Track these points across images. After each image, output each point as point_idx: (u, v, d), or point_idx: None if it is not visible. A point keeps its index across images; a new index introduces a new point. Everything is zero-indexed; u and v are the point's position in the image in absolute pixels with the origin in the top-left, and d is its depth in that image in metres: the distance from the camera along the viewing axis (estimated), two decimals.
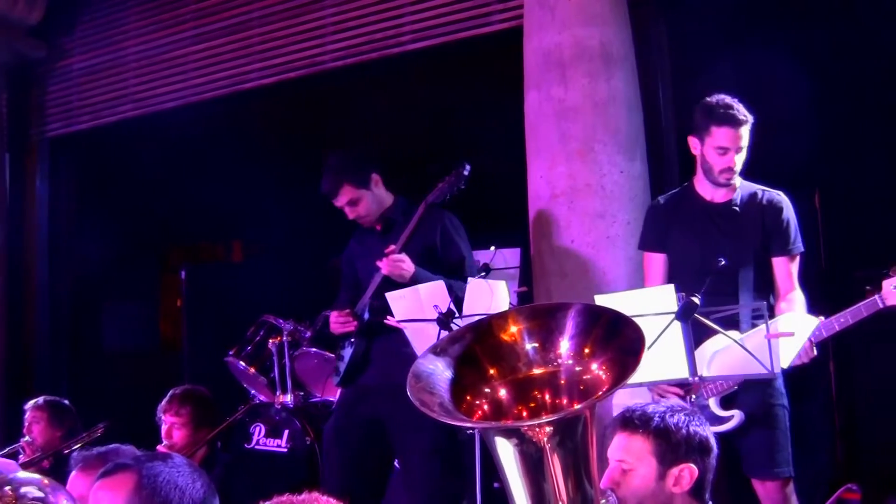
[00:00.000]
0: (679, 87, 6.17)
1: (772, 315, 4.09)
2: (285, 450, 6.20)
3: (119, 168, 8.91)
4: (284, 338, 6.37)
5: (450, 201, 5.26)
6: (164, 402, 5.68)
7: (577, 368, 2.42)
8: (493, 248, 6.32)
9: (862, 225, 6.18)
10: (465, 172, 5.14)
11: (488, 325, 2.54)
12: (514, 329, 2.50)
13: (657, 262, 4.78)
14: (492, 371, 2.46)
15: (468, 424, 2.43)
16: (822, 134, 6.08)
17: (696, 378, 3.97)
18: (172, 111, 8.17)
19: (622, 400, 4.29)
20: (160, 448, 5.42)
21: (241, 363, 6.49)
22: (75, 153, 9.17)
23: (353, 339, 5.27)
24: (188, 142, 8.20)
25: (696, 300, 3.84)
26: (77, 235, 9.13)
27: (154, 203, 9.06)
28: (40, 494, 2.89)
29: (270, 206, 8.96)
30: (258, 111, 8.43)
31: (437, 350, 2.49)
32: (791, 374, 4.18)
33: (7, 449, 6.15)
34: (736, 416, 4.35)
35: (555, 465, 2.27)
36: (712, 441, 3.14)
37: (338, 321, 5.24)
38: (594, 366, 2.40)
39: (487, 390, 2.44)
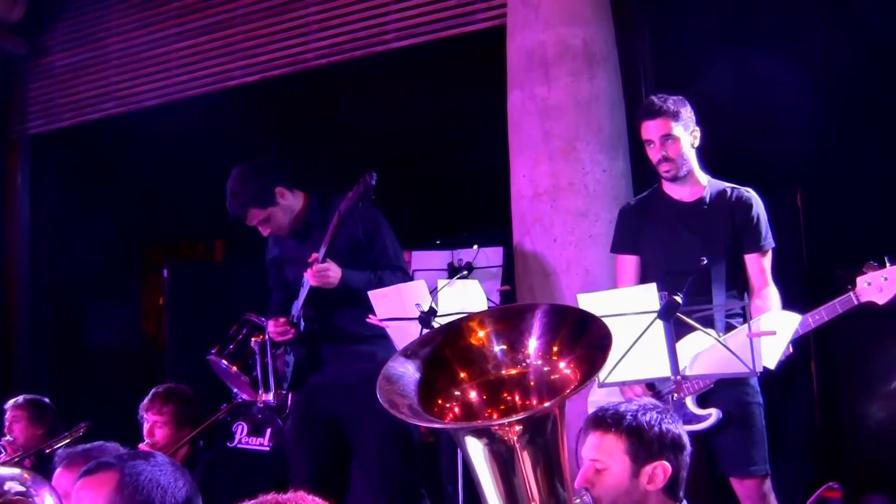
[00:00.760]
0: (662, 86, 6.17)
1: (747, 314, 4.11)
2: (268, 448, 6.20)
3: (102, 166, 8.88)
4: (267, 336, 6.36)
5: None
6: (146, 401, 5.66)
7: (546, 368, 2.44)
8: (475, 246, 6.32)
9: (844, 224, 6.19)
10: (373, 181, 4.99)
11: (458, 328, 2.55)
12: (482, 331, 2.51)
13: (629, 264, 4.82)
14: (462, 373, 2.47)
15: (438, 426, 2.43)
16: (804, 133, 6.10)
17: (679, 377, 3.98)
18: (156, 109, 8.15)
19: (599, 398, 4.32)
20: (142, 447, 5.40)
21: (224, 362, 6.46)
22: (58, 151, 9.13)
23: (291, 347, 5.30)
24: (171, 140, 8.18)
25: (679, 299, 3.85)
26: (59, 233, 9.10)
27: (137, 201, 9.03)
28: (22, 489, 2.89)
29: None
30: (242, 109, 8.40)
31: (408, 353, 2.50)
32: (772, 372, 4.19)
33: None
34: (714, 415, 4.37)
35: (525, 464, 2.27)
36: (685, 438, 3.15)
37: (276, 332, 5.22)
38: (562, 364, 2.41)
39: (458, 393, 2.45)
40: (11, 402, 6.26)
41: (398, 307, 4.69)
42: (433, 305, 4.50)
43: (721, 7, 6.33)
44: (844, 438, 6.03)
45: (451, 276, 5.80)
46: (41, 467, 5.39)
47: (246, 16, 7.69)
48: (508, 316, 2.55)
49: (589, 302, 3.97)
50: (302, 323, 5.16)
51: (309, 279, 5.00)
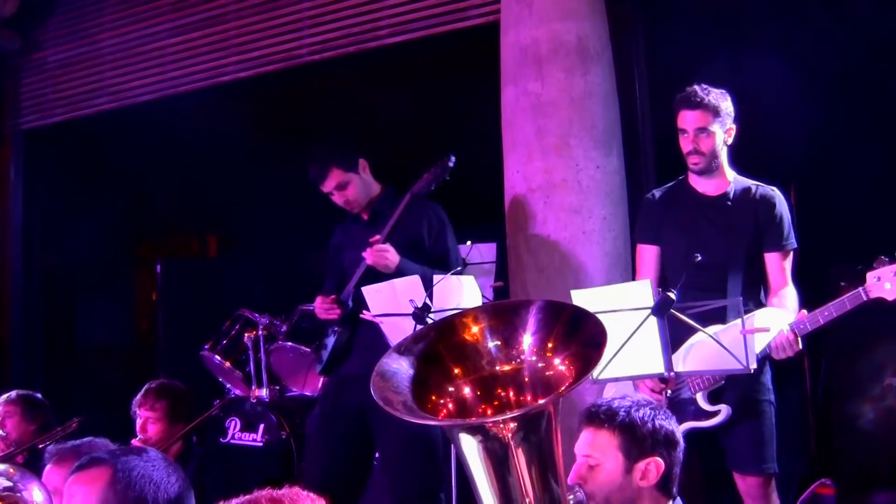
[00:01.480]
0: (656, 82, 6.18)
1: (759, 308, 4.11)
2: (260, 444, 6.19)
3: (95, 161, 8.86)
4: (260, 332, 6.37)
5: (433, 192, 5.26)
6: (139, 397, 5.66)
7: (540, 365, 2.43)
8: (469, 242, 6.32)
9: (838, 221, 6.20)
10: (450, 164, 5.15)
11: (451, 324, 2.55)
12: (476, 327, 2.50)
13: (650, 254, 4.78)
14: (456, 370, 2.46)
15: (432, 423, 2.42)
16: (799, 130, 6.10)
17: (672, 373, 3.98)
18: (149, 104, 8.14)
19: (608, 395, 4.31)
20: (135, 442, 5.40)
21: (217, 357, 6.47)
22: (50, 146, 9.11)
23: (336, 328, 5.27)
24: (164, 135, 8.16)
25: (672, 295, 3.84)
26: (52, 229, 9.08)
27: (130, 197, 9.02)
28: (9, 483, 2.88)
29: (246, 201, 8.93)
30: (235, 105, 8.40)
31: (402, 349, 2.50)
32: (757, 368, 4.19)
33: None
34: (723, 411, 4.35)
35: (520, 461, 2.27)
36: (678, 435, 3.15)
37: (322, 307, 5.23)
38: (557, 361, 2.41)
39: (452, 389, 2.44)
40: (4, 397, 6.24)
41: (392, 303, 4.69)
42: (427, 301, 4.49)
43: (716, 2, 6.33)
44: (837, 436, 6.03)
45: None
46: (33, 463, 5.38)
47: (239, 11, 7.67)
48: (503, 312, 2.54)
49: (582, 298, 3.97)
50: (350, 302, 5.14)
51: (367, 258, 5.00)
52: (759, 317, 4.11)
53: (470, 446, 2.29)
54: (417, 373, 2.43)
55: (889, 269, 4.15)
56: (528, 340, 2.45)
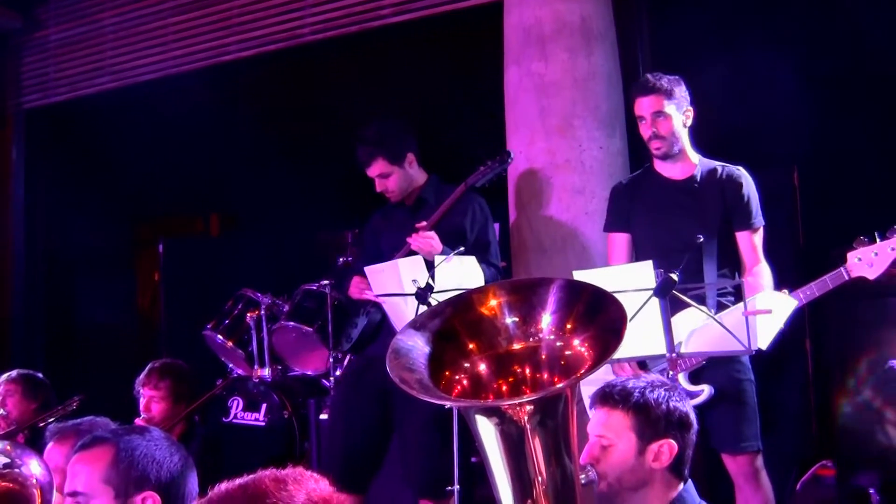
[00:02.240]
0: (659, 63, 6.15)
1: (740, 293, 4.12)
2: (263, 423, 6.20)
3: (97, 140, 8.84)
4: (262, 311, 6.37)
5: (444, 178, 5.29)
6: (142, 376, 5.68)
7: (559, 344, 2.40)
8: None
9: (840, 202, 6.19)
10: (510, 159, 5.18)
11: (468, 300, 2.51)
12: (494, 303, 2.47)
13: (621, 241, 4.85)
14: (471, 346, 2.43)
15: (448, 403, 2.41)
16: (801, 111, 6.08)
17: (674, 354, 3.99)
18: (151, 83, 8.13)
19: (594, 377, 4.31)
20: (138, 422, 5.42)
21: (219, 337, 6.47)
22: (52, 125, 9.11)
23: (369, 309, 5.29)
24: (167, 114, 8.15)
25: (675, 277, 3.85)
26: (54, 208, 9.09)
27: (132, 176, 9.01)
28: (7, 460, 2.89)
29: (249, 180, 8.92)
30: (237, 84, 8.39)
31: (417, 325, 2.46)
32: (766, 352, 4.19)
33: None
34: (706, 391, 4.40)
35: (535, 444, 2.25)
36: (692, 417, 3.13)
37: (358, 286, 5.22)
38: (576, 342, 2.38)
39: (467, 365, 2.41)
40: (5, 376, 6.26)
41: (395, 283, 4.68)
42: (430, 282, 4.49)
43: None
44: (838, 418, 6.03)
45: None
46: (34, 441, 5.39)
47: None
48: (521, 289, 2.51)
49: (584, 279, 3.96)
50: None
51: (412, 243, 4.99)
52: (760, 299, 4.12)
53: (486, 427, 2.28)
54: (433, 349, 2.40)
55: (869, 248, 4.32)
56: (546, 319, 2.42)
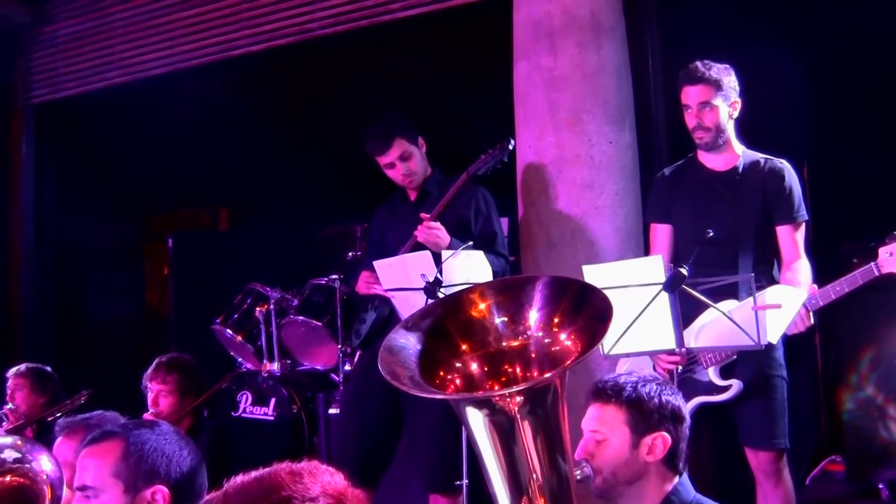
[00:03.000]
0: (669, 57, 6.15)
1: (773, 283, 4.10)
2: (272, 418, 6.21)
3: (105, 135, 8.86)
4: (271, 306, 6.36)
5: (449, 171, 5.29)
6: (150, 370, 5.68)
7: (547, 340, 2.42)
8: None
9: (850, 197, 6.18)
10: (510, 146, 5.17)
11: (458, 300, 2.54)
12: (483, 304, 2.50)
13: (662, 232, 4.80)
14: (463, 345, 2.46)
15: (439, 396, 2.43)
16: (811, 107, 6.08)
17: (683, 349, 3.97)
18: (160, 78, 8.13)
19: (621, 370, 4.31)
20: (146, 416, 5.42)
21: (228, 331, 6.48)
22: (61, 120, 9.12)
23: (377, 303, 5.30)
24: (176, 109, 8.17)
25: (684, 271, 3.83)
26: (63, 202, 9.10)
27: (141, 170, 9.02)
28: (18, 455, 2.90)
29: (258, 175, 8.94)
30: (246, 79, 8.39)
31: (409, 325, 2.49)
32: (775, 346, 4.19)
33: None
34: (734, 386, 4.37)
35: (526, 435, 2.27)
36: (685, 410, 3.15)
37: (366, 281, 5.24)
38: (563, 336, 2.40)
39: (459, 365, 2.44)
40: (13, 370, 6.28)
41: (403, 277, 4.68)
42: (438, 276, 4.49)
43: None
44: (846, 412, 6.03)
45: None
46: (43, 436, 5.41)
47: None
48: (509, 288, 2.54)
49: (594, 274, 3.96)
50: None
51: (418, 235, 5.00)
52: (770, 293, 4.10)
53: (476, 420, 2.29)
54: (425, 348, 2.43)
55: None
56: (534, 316, 2.45)
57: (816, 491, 5.95)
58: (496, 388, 2.43)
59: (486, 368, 2.45)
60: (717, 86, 4.50)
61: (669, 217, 4.77)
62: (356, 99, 7.91)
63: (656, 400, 3.09)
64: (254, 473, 1.86)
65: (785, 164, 4.61)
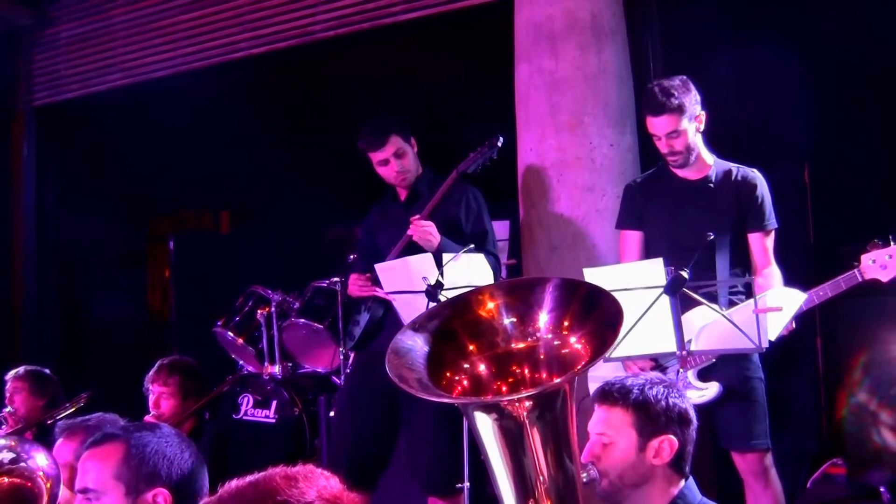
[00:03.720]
0: (670, 60, 6.15)
1: (750, 291, 4.12)
2: (273, 420, 6.21)
3: (107, 137, 8.86)
4: (273, 308, 6.37)
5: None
6: (151, 373, 5.68)
7: (556, 342, 2.40)
8: None
9: (851, 200, 6.18)
10: (498, 143, 5.17)
11: (466, 301, 2.51)
12: (491, 304, 2.47)
13: (633, 239, 4.86)
14: (471, 346, 2.43)
15: (447, 400, 2.42)
16: (811, 109, 6.07)
17: (684, 352, 3.98)
18: (162, 80, 8.13)
19: (604, 373, 4.31)
20: (148, 418, 5.43)
21: (230, 333, 6.48)
22: (63, 122, 9.12)
23: (370, 305, 5.30)
24: (177, 111, 8.16)
25: (685, 274, 3.85)
26: (65, 205, 9.10)
27: (143, 172, 9.02)
28: (13, 455, 2.90)
29: (259, 177, 8.94)
30: (248, 81, 8.39)
31: (416, 326, 2.46)
32: (777, 349, 4.19)
33: None
34: (714, 388, 4.40)
35: (535, 440, 2.25)
36: (692, 413, 3.14)
37: (357, 283, 5.25)
38: (573, 339, 2.38)
39: (466, 366, 2.42)
40: (12, 373, 6.28)
41: (405, 280, 4.69)
42: (440, 279, 4.49)
43: None
44: (847, 415, 6.03)
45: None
46: (42, 438, 5.41)
47: None
48: (518, 289, 2.51)
49: (595, 276, 3.97)
50: None
51: (412, 234, 5.02)
52: (770, 296, 4.12)
53: (485, 424, 2.28)
54: (432, 350, 2.40)
55: (883, 251, 4.32)
56: (543, 318, 2.42)
57: (818, 494, 5.94)
58: (504, 389, 2.42)
59: (494, 370, 2.42)
60: (680, 111, 4.52)
61: (641, 224, 4.83)
62: (358, 101, 7.91)
63: (663, 402, 3.08)
64: (249, 478, 1.85)
65: (756, 174, 4.69)
